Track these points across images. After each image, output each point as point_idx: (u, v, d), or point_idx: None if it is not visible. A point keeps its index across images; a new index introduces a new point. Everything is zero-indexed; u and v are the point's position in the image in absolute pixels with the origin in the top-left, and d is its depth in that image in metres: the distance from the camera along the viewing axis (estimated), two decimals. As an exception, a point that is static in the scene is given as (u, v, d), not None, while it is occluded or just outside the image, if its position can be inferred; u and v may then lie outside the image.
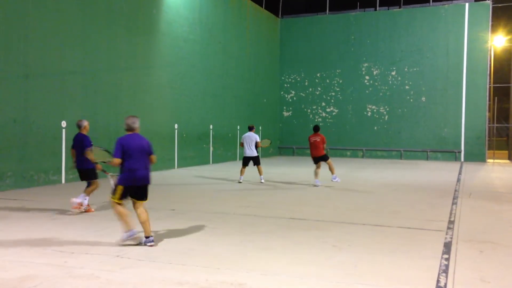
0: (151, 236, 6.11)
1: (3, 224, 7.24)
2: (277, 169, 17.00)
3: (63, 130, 12.43)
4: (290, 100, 27.44)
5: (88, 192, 8.43)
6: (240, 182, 13.24)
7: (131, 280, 4.73)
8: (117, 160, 6.12)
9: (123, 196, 6.15)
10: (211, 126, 20.05)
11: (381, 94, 25.65)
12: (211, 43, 20.08)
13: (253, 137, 13.33)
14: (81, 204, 8.23)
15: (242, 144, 13.43)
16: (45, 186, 11.72)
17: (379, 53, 25.67)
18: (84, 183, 8.65)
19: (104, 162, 7.01)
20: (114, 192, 6.19)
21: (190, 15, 18.52)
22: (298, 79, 27.26)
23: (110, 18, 14.24)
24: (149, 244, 6.03)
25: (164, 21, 16.94)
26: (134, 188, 6.16)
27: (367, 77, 25.94)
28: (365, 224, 7.66)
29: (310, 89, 27.00)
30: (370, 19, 26.06)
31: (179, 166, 17.65)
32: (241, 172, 13.43)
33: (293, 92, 27.38)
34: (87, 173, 8.45)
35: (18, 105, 11.24)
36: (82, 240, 6.34)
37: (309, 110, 26.98)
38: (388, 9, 26.44)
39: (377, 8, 26.33)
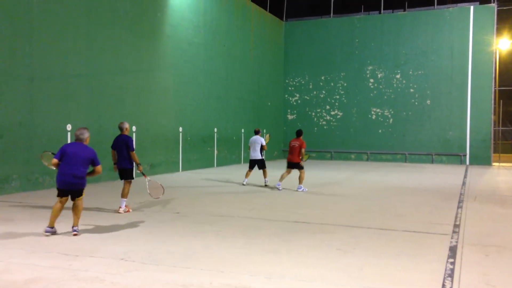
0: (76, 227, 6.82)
1: (8, 227, 7.27)
2: (281, 172, 16.97)
3: (68, 133, 12.48)
4: (294, 103, 27.44)
5: (125, 194, 8.75)
6: (244, 185, 13.26)
7: (135, 283, 4.73)
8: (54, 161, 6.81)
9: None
10: (215, 129, 20.06)
11: (385, 97, 25.61)
12: (215, 46, 20.12)
13: (258, 140, 13.35)
14: (128, 208, 8.78)
15: (250, 148, 13.51)
16: (50, 189, 11.74)
17: (384, 56, 25.65)
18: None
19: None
20: None
21: (194, 18, 18.57)
22: (303, 82, 27.27)
23: (115, 21, 14.30)
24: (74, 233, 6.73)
25: (169, 24, 17.00)
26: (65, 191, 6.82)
27: (371, 80, 25.92)
28: (370, 228, 7.63)
29: (315, 92, 26.99)
30: (374, 22, 26.05)
31: (183, 169, 17.67)
32: (246, 175, 13.52)
33: (297, 95, 27.38)
34: (126, 172, 8.86)
35: (24, 108, 11.30)
36: (86, 242, 6.35)
37: (313, 113, 26.97)
38: (392, 12, 26.42)
39: (382, 11, 26.32)
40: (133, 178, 8.98)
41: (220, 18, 20.58)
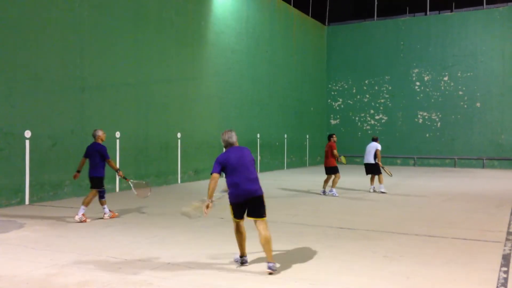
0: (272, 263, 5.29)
1: (61, 231, 7.59)
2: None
3: (117, 141, 12.91)
4: (337, 108, 27.16)
5: (86, 202, 8.51)
6: (370, 192, 13.16)
7: (182, 287, 4.82)
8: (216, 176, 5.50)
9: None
10: (258, 135, 20.17)
11: (432, 100, 24.90)
12: (258, 52, 20.27)
13: (374, 146, 13.36)
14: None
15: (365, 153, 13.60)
16: (100, 194, 12.17)
17: (430, 58, 24.97)
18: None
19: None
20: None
21: (237, 26, 18.79)
22: (346, 86, 26.96)
23: (161, 31, 14.70)
24: (272, 269, 5.24)
25: (212, 32, 17.29)
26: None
27: (417, 83, 25.28)
28: (418, 235, 7.43)
29: (358, 97, 26.62)
30: (420, 24, 25.44)
31: (227, 175, 17.82)
32: (371, 181, 13.49)
33: (340, 99, 27.10)
34: (98, 181, 8.66)
35: (75, 117, 11.79)
36: (134, 246, 6.54)
37: (357, 118, 26.59)
38: (439, 13, 25.71)
39: (428, 12, 25.66)
40: (102, 188, 8.71)
41: (262, 25, 20.73)
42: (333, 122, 27.22)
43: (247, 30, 19.46)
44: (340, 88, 27.09)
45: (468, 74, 24.19)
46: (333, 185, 12.43)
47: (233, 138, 5.73)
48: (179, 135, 15.31)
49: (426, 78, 25.09)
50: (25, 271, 5.32)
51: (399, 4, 26.59)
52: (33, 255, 6.02)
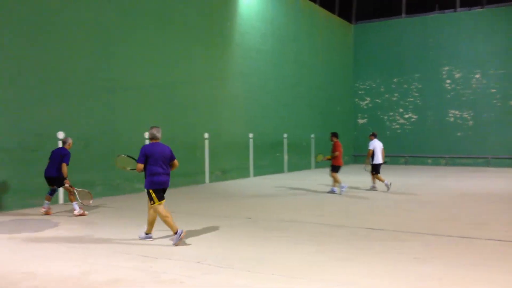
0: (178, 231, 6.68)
1: (92, 230, 7.76)
2: (353, 178, 16.66)
3: (146, 141, 13.10)
4: (365, 107, 26.84)
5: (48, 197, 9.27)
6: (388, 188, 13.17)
7: (212, 286, 4.86)
8: (140, 166, 6.79)
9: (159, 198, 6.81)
10: (285, 135, 20.13)
11: (464, 98, 24.32)
12: (283, 52, 20.24)
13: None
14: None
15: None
16: (130, 194, 12.40)
17: (461, 56, 24.39)
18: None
19: (133, 169, 7.28)
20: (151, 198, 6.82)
21: (262, 26, 18.81)
22: (373, 85, 26.62)
23: (187, 33, 14.84)
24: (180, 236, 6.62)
25: (238, 33, 17.36)
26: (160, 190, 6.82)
27: (448, 81, 24.73)
28: (450, 236, 7.28)
29: (387, 95, 26.23)
30: (449, 20, 24.88)
31: (254, 175, 17.89)
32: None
33: (368, 98, 26.77)
34: (55, 180, 9.25)
35: (106, 118, 12.04)
36: (163, 245, 6.62)
37: (385, 117, 26.21)
38: (469, 10, 25.08)
39: (457, 9, 25.08)
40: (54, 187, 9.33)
41: (287, 25, 20.68)
42: (360, 121, 26.92)
43: (272, 31, 19.46)
44: (368, 87, 26.76)
45: (501, 71, 23.52)
46: (337, 182, 12.66)
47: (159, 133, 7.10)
48: (206, 135, 15.43)
49: (456, 76, 24.52)
50: (59, 269, 5.46)
51: (427, 1, 26.08)
52: (67, 254, 6.17)
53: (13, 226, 8.08)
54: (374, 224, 8.22)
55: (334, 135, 13.08)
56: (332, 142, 12.98)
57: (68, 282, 4.98)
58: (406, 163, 25.25)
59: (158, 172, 6.73)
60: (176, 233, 6.64)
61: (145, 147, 6.88)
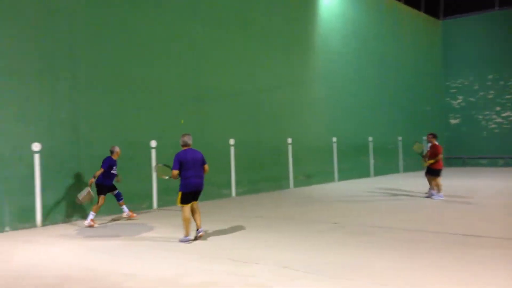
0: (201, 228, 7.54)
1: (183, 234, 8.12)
2: (444, 182, 15.81)
3: (232, 148, 13.49)
4: (457, 106, 25.34)
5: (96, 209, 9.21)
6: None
7: (299, 291, 4.89)
8: (175, 172, 7.34)
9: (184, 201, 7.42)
10: (370, 138, 19.63)
11: None
12: (366, 53, 19.78)
13: None
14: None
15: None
16: (218, 199, 12.81)
17: None
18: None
19: (170, 177, 7.63)
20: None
21: (344, 28, 18.56)
22: (466, 83, 25.07)
23: (268, 40, 15.07)
24: (202, 233, 7.51)
25: (319, 36, 17.29)
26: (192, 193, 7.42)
27: (551, 75, 22.62)
28: (558, 245, 6.65)
29: (481, 93, 24.57)
30: (551, 9, 22.77)
31: (339, 179, 17.64)
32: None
33: (460, 97, 25.26)
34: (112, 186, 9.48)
35: (194, 126, 12.55)
36: (252, 250, 6.77)
37: (480, 116, 24.54)
38: None
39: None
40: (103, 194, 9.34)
41: (370, 25, 20.20)
42: (453, 121, 25.46)
43: (354, 32, 19.11)
44: (460, 85, 25.26)
45: None
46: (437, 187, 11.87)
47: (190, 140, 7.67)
48: (289, 140, 15.52)
49: (561, 69, 22.36)
50: (154, 271, 5.81)
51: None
52: (161, 256, 6.54)
53: (114, 230, 8.71)
54: (469, 230, 7.74)
55: (434, 136, 12.25)
56: (429, 144, 12.15)
57: (164, 284, 5.27)
58: (505, 165, 23.39)
59: (191, 176, 7.31)
60: (185, 236, 7.33)
61: (178, 154, 7.42)
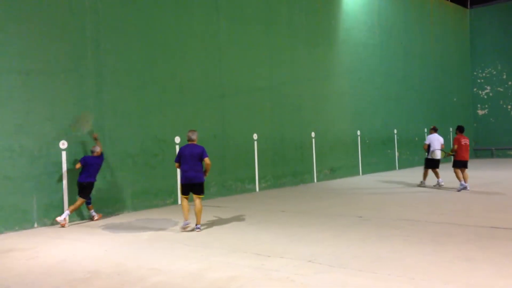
0: (199, 225, 7.93)
1: (209, 229, 8.18)
2: (472, 173, 15.46)
3: (255, 143, 13.49)
4: (485, 96, 24.73)
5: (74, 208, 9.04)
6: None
7: (324, 286, 4.86)
8: (176, 164, 8.07)
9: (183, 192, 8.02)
10: (395, 131, 19.34)
11: None
12: (391, 45, 19.46)
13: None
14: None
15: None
16: (242, 194, 12.85)
17: None
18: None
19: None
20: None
21: (368, 20, 18.29)
22: (494, 72, 24.42)
23: (292, 34, 14.98)
24: (197, 229, 7.84)
25: (343, 29, 17.08)
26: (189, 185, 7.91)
27: None
28: None
29: (510, 83, 23.90)
30: None
31: (363, 173, 17.46)
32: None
33: (488, 87, 24.63)
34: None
35: (217, 122, 12.63)
36: (275, 244, 6.77)
37: (509, 106, 23.89)
38: None
39: None
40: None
41: (395, 16, 19.85)
42: (480, 112, 24.86)
43: (379, 23, 18.81)
44: (488, 75, 24.61)
45: None
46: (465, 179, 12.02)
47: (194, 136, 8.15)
48: (313, 134, 15.42)
49: None
50: (180, 265, 5.86)
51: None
52: (186, 251, 6.60)
53: (139, 225, 8.84)
54: (499, 223, 7.56)
55: (457, 128, 12.63)
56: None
57: (189, 278, 5.32)
58: (536, 156, 22.73)
59: (187, 169, 7.86)
60: (184, 221, 7.91)
61: (180, 149, 8.14)
